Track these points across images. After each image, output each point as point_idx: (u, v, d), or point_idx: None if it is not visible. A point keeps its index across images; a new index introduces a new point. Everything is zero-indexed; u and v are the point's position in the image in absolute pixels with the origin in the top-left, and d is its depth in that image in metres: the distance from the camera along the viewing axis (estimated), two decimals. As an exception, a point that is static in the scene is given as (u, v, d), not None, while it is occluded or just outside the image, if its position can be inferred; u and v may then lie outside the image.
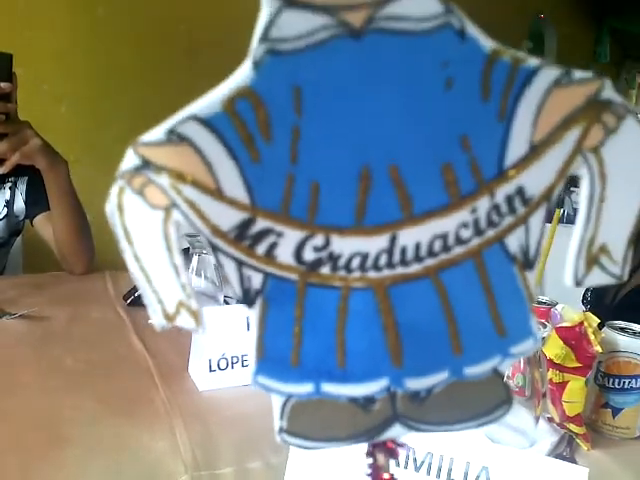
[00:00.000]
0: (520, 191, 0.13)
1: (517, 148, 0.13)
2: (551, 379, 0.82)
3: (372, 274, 0.13)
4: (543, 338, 0.79)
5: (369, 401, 0.14)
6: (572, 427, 0.82)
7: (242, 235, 0.13)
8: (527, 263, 0.14)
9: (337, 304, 0.14)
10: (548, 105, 0.13)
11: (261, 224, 0.13)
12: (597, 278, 0.14)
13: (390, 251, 0.13)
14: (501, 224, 0.13)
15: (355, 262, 0.13)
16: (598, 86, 0.13)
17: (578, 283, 0.14)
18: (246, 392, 0.95)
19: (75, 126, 2.21)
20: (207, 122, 0.12)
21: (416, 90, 0.12)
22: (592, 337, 0.79)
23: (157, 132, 0.12)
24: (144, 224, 0.13)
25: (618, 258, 0.14)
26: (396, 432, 0.15)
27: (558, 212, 1.08)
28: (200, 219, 0.13)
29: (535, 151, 0.13)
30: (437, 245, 0.13)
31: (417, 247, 0.13)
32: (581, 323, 0.79)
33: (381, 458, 0.16)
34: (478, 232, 0.13)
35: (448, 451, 0.58)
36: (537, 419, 0.80)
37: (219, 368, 0.94)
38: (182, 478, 0.59)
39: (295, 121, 0.12)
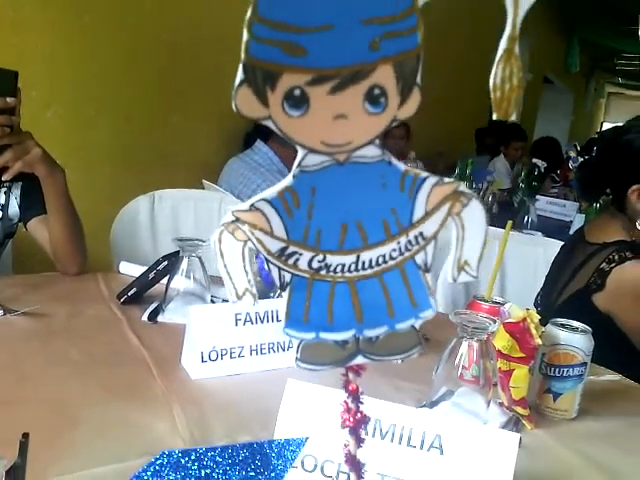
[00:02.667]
0: (421, 234, 0.27)
1: (418, 213, 0.27)
2: (500, 368, 0.98)
3: (347, 274, 0.27)
4: (493, 332, 0.95)
5: (345, 342, 0.28)
6: (518, 409, 0.99)
7: (282, 254, 0.26)
8: (426, 269, 0.28)
9: (329, 290, 0.27)
10: (432, 193, 0.26)
11: (291, 249, 0.26)
12: (464, 278, 0.28)
13: (356, 263, 0.27)
14: (412, 250, 0.27)
15: (338, 268, 0.27)
16: (458, 185, 0.27)
17: (454, 280, 0.28)
18: (234, 381, 1.09)
19: (61, 131, 2.31)
20: (269, 201, 0.25)
21: (368, 188, 0.26)
22: (534, 331, 0.95)
23: (244, 205, 0.26)
24: (232, 248, 0.26)
25: (474, 267, 0.28)
26: (359, 360, 0.28)
27: (509, 225, 1.23)
28: (261, 246, 0.26)
29: (428, 214, 0.27)
30: (380, 260, 0.27)
31: (370, 261, 0.27)
32: (524, 319, 0.95)
33: (351, 375, 0.29)
34: (401, 253, 0.27)
35: (408, 422, 0.73)
36: (489, 403, 0.97)
37: (210, 359, 1.08)
38: (182, 452, 0.72)
39: (311, 200, 0.25)
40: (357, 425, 0.29)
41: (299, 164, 0.25)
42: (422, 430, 0.73)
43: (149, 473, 0.37)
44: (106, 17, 2.33)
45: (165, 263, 1.27)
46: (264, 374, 1.05)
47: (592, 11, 7.32)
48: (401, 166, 0.26)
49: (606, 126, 11.85)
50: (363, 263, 0.27)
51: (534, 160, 3.35)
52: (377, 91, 0.23)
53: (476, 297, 1.13)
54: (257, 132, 2.60)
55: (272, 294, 1.26)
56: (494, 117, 0.24)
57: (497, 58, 0.23)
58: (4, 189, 1.43)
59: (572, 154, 3.03)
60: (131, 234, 1.86)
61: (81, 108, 2.30)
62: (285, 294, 0.27)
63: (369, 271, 0.27)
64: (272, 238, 0.26)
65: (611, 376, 1.22)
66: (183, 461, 0.37)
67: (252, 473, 0.38)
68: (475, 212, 0.27)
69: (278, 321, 1.11)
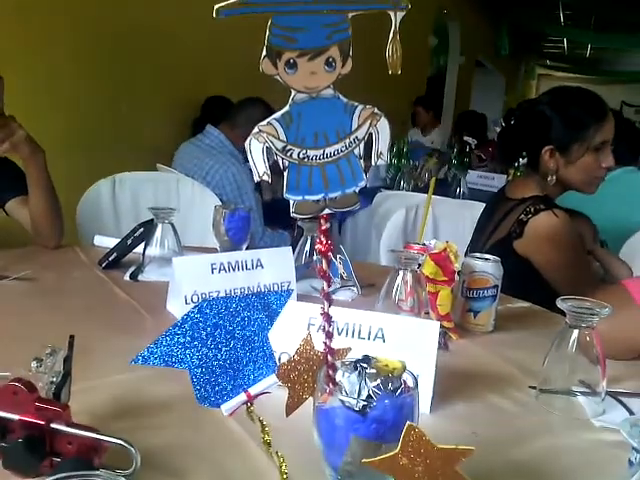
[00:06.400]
0: (356, 137, 0.52)
1: (354, 125, 0.52)
2: (429, 291, 1.27)
3: (319, 161, 0.52)
4: (422, 262, 1.22)
5: (318, 201, 0.53)
6: (445, 324, 1.29)
7: (283, 150, 0.51)
8: (360, 157, 0.54)
9: (309, 171, 0.52)
10: (361, 114, 0.52)
11: (288, 147, 0.51)
12: (380, 162, 0.54)
13: (323, 154, 0.52)
14: (352, 146, 0.52)
15: (314, 158, 0.52)
16: (374, 109, 0.52)
17: (375, 163, 0.54)
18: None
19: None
20: (277, 119, 0.50)
21: (328, 112, 0.51)
22: (453, 258, 1.24)
23: (264, 122, 0.50)
24: (256, 147, 0.51)
25: (385, 155, 0.54)
26: (326, 211, 0.54)
27: (433, 180, 1.56)
28: (272, 145, 0.50)
29: (359, 126, 0.52)
30: (336, 153, 0.52)
31: (330, 153, 0.52)
32: (445, 249, 1.24)
33: (322, 221, 0.54)
34: (346, 148, 0.52)
35: (357, 320, 1.00)
36: (421, 323, 1.22)
37: (192, 301, 1.32)
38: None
39: (298, 120, 0.50)
40: (326, 251, 0.54)
41: (293, 99, 0.50)
42: (368, 325, 1.01)
43: (196, 311, 0.60)
44: (55, 10, 2.47)
45: (141, 230, 1.49)
46: (238, 313, 1.29)
47: (519, -4, 7.84)
48: (345, 99, 0.51)
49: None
50: (327, 154, 0.52)
51: (465, 138, 3.73)
52: (331, 60, 0.49)
53: (409, 242, 1.41)
54: (206, 118, 2.81)
55: (239, 249, 1.51)
56: (390, 72, 0.50)
57: (388, 41, 0.49)
58: (-23, 173, 1.60)
59: (498, 130, 3.39)
60: (95, 216, 2.06)
61: (33, 99, 2.45)
62: (285, 173, 0.52)
63: (330, 159, 0.53)
64: (278, 140, 0.50)
65: (522, 303, 1.54)
66: (214, 302, 0.61)
67: (258, 310, 0.62)
68: (384, 124, 0.53)
69: (247, 270, 1.36)
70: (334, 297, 1.45)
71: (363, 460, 0.52)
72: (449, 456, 0.52)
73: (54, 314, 1.22)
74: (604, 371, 0.98)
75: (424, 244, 1.31)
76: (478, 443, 0.88)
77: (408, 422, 0.51)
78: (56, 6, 2.52)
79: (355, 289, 1.50)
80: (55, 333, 0.87)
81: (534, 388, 1.03)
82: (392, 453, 0.51)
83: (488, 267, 1.28)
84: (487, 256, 1.32)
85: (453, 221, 2.05)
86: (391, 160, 3.43)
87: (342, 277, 1.51)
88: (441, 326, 1.25)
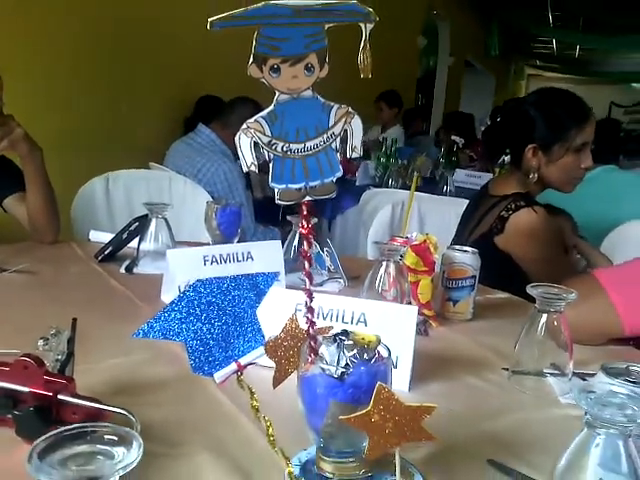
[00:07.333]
0: (333, 133, 0.60)
1: (331, 122, 0.60)
2: (410, 281, 1.35)
3: (300, 154, 0.60)
4: (403, 254, 1.30)
5: (300, 189, 0.61)
6: (425, 312, 1.37)
7: (269, 144, 0.59)
8: (337, 151, 0.61)
9: (292, 162, 0.60)
10: (337, 113, 0.60)
11: (273, 141, 0.59)
12: (354, 155, 0.61)
13: (304, 148, 0.60)
14: (329, 141, 0.60)
15: (296, 151, 0.60)
16: (348, 108, 0.60)
17: (350, 156, 0.62)
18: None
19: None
20: (263, 117, 0.58)
21: (307, 111, 0.58)
22: (432, 249, 1.32)
23: (252, 119, 0.58)
24: (244, 141, 0.58)
25: (358, 149, 0.61)
26: (307, 198, 0.61)
27: (416, 177, 1.65)
28: (259, 140, 0.58)
29: (335, 123, 0.60)
30: (315, 146, 0.60)
31: (310, 147, 0.60)
32: (425, 241, 1.33)
33: (304, 207, 0.62)
34: (324, 143, 0.60)
35: (342, 306, 1.08)
36: (403, 311, 1.30)
37: (185, 291, 1.37)
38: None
39: (282, 117, 0.58)
40: (308, 233, 0.62)
41: (277, 100, 0.57)
42: (352, 310, 1.09)
43: (191, 290, 0.68)
44: (55, 10, 2.53)
45: (136, 224, 1.56)
46: (229, 302, 1.37)
47: (509, -3, 7.96)
48: (322, 100, 0.59)
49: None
50: (307, 148, 0.60)
51: (453, 137, 3.82)
52: (310, 65, 0.56)
53: (393, 235, 1.49)
54: (198, 116, 2.88)
55: (230, 242, 1.58)
56: (362, 76, 0.58)
57: (360, 50, 0.56)
58: (-27, 171, 1.66)
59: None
60: (89, 212, 2.12)
61: (32, 99, 2.51)
62: (271, 164, 0.60)
63: (310, 152, 0.60)
64: (264, 135, 0.58)
65: (501, 294, 1.62)
66: (208, 282, 0.68)
67: (247, 289, 0.70)
68: (357, 122, 0.60)
69: (238, 262, 1.43)
70: (322, 289, 1.53)
71: (340, 417, 0.59)
72: (415, 413, 0.60)
73: (53, 304, 1.29)
74: (571, 354, 1.06)
75: (407, 237, 1.39)
76: (454, 417, 0.96)
77: (379, 383, 0.58)
78: (56, 6, 2.57)
79: (342, 281, 1.57)
80: (55, 321, 0.94)
81: (507, 370, 1.11)
82: (365, 410, 0.59)
83: (467, 258, 1.37)
84: (466, 248, 1.40)
85: (439, 217, 2.14)
86: (379, 159, 3.51)
87: (329, 270, 1.59)
88: (422, 314, 1.33)
